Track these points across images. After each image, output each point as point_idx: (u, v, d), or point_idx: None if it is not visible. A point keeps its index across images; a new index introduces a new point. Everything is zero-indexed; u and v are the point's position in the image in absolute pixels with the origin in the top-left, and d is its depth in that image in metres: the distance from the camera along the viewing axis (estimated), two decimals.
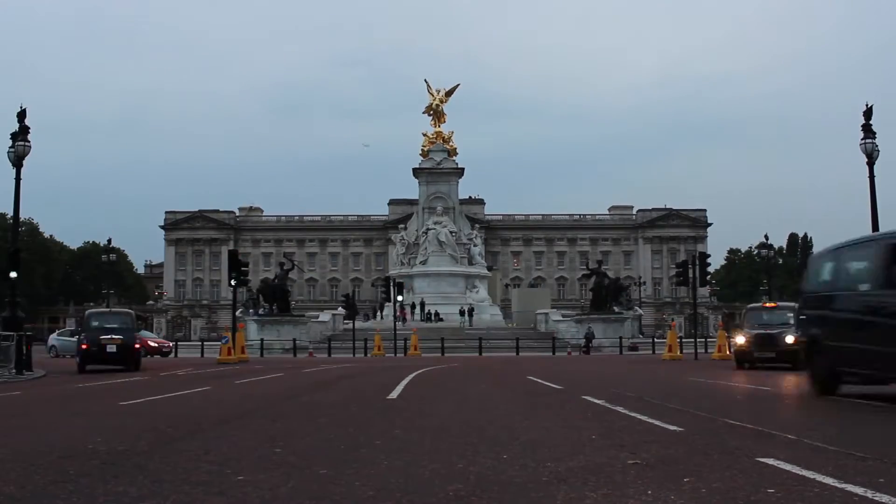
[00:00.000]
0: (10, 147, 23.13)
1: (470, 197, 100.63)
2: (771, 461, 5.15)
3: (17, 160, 22.90)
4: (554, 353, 42.17)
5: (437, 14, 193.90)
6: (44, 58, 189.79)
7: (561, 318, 56.07)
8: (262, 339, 44.15)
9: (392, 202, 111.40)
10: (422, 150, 69.92)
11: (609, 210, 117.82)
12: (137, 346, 24.53)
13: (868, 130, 24.08)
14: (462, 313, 58.71)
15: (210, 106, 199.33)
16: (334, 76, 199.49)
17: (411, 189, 74.36)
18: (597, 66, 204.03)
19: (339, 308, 63.16)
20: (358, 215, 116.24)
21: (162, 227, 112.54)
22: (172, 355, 41.08)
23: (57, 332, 48.30)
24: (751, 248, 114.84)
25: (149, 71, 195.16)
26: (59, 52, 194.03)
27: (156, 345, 41.28)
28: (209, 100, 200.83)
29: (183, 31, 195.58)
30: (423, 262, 65.06)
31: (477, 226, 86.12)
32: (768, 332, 20.45)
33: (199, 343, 52.72)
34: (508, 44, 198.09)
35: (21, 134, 23.01)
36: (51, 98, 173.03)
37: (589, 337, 46.42)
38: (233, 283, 34.73)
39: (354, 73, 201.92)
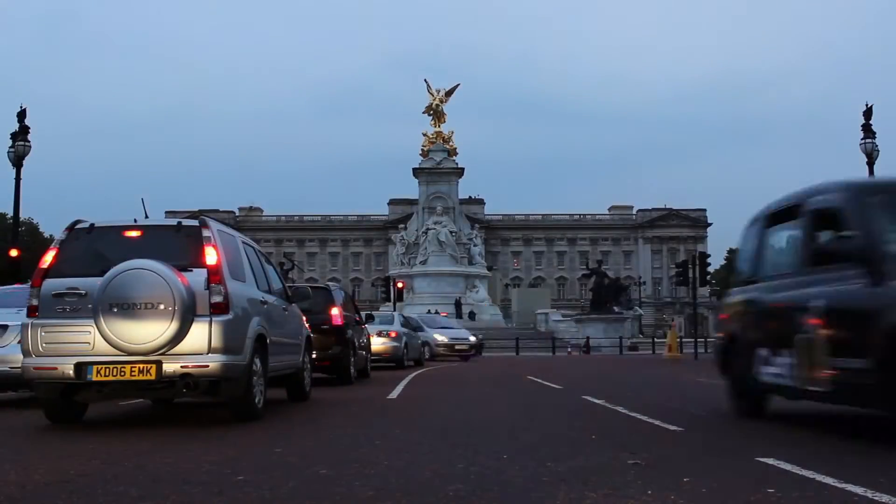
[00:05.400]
0: (10, 147, 23.13)
1: (470, 197, 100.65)
2: (771, 461, 5.14)
3: (17, 160, 22.89)
4: (554, 353, 42.18)
5: (438, 15, 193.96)
6: (44, 58, 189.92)
7: (561, 318, 56.08)
8: None
9: (392, 202, 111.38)
10: (422, 149, 69.95)
11: (609, 210, 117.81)
12: None
13: (868, 130, 24.09)
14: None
15: (221, 108, 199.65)
16: (377, 79, 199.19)
17: (411, 189, 74.40)
18: (597, 66, 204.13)
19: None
20: (358, 215, 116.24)
21: None
22: None
23: None
24: None
25: (152, 72, 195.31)
26: (59, 53, 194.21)
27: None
28: (227, 103, 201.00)
29: (196, 38, 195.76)
30: (423, 262, 65.05)
31: (477, 226, 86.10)
32: None
33: None
34: (509, 44, 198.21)
35: (21, 134, 23.00)
36: (51, 99, 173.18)
37: (589, 337, 46.42)
38: None
39: (390, 75, 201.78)
